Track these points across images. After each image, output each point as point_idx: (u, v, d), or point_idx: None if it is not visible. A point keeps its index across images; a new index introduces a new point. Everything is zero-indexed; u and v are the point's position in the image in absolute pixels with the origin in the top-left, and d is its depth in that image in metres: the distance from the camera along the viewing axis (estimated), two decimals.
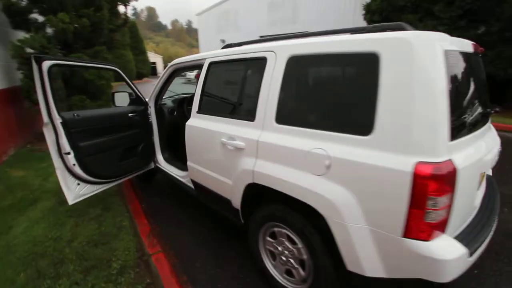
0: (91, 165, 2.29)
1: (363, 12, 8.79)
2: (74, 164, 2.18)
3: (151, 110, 2.91)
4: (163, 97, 3.06)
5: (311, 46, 1.43)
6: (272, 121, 1.55)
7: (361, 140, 1.20)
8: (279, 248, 1.67)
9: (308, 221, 1.45)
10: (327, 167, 1.28)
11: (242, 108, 1.82)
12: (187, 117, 3.11)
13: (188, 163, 2.29)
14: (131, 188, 3.13)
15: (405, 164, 1.06)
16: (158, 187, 3.31)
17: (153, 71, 40.90)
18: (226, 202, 1.95)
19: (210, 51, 2.17)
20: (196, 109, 2.15)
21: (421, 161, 1.04)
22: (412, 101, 1.07)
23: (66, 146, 2.12)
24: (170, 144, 3.10)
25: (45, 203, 2.81)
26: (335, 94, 1.35)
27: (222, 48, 2.17)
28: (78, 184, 2.30)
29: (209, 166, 2.04)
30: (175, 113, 3.03)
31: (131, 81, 2.67)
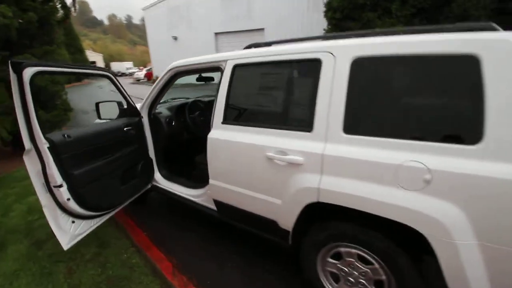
0: (89, 197, 1.83)
1: (324, 9, 9.02)
2: (68, 199, 1.71)
3: (144, 121, 2.48)
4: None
5: (387, 46, 1.28)
6: (339, 131, 1.37)
7: (467, 150, 1.09)
8: (346, 269, 1.52)
9: (391, 240, 1.32)
10: (426, 181, 1.15)
11: (290, 117, 1.60)
12: (190, 126, 2.75)
13: (211, 181, 1.99)
14: (124, 214, 2.66)
15: None
16: (152, 208, 2.88)
17: None
18: (269, 223, 1.73)
19: (230, 52, 1.89)
20: (221, 119, 1.85)
21: None
22: None
23: (56, 177, 1.64)
24: (169, 159, 2.71)
25: (16, 247, 2.20)
26: (429, 100, 1.22)
27: (246, 48, 1.91)
28: (73, 222, 1.82)
29: (245, 185, 1.77)
30: (173, 123, 2.63)
31: (123, 87, 2.22)
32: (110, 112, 2.43)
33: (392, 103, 1.28)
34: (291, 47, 1.59)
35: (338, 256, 1.54)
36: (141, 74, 26.54)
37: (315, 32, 15.08)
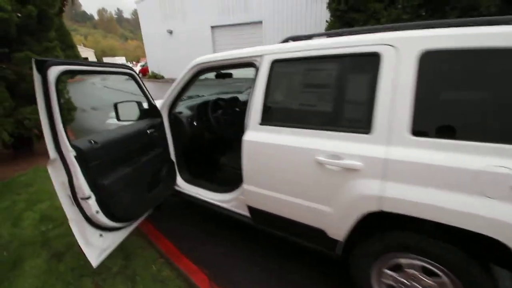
0: (119, 207, 1.69)
1: (327, 0, 8.81)
2: (97, 211, 1.56)
3: (164, 121, 2.32)
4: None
5: (463, 38, 1.14)
6: (405, 133, 1.24)
7: None
8: (406, 282, 1.41)
9: (465, 251, 1.21)
10: None
11: (344, 117, 1.46)
12: (214, 126, 2.60)
13: (246, 186, 1.85)
14: (145, 221, 2.51)
15: None
16: (170, 213, 2.73)
17: None
18: (315, 232, 1.61)
19: (265, 46, 1.73)
20: (258, 120, 1.71)
21: None
22: None
23: (84, 188, 1.49)
24: (191, 161, 2.56)
25: (34, 261, 2.05)
26: None
27: (284, 41, 1.75)
28: (101, 235, 1.68)
29: (288, 191, 1.64)
30: (194, 123, 2.47)
31: (145, 86, 2.06)
32: (126, 112, 2.26)
33: (473, 102, 1.15)
34: (343, 40, 1.44)
35: (396, 267, 1.43)
36: (135, 69, 25.93)
37: (315, 24, 14.84)
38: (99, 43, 63.46)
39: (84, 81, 23.31)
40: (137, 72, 1.91)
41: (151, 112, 2.18)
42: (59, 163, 1.43)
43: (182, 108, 2.55)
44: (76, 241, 1.59)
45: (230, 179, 2.39)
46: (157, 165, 2.08)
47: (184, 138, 2.42)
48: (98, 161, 1.55)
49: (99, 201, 1.57)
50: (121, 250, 2.07)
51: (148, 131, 2.02)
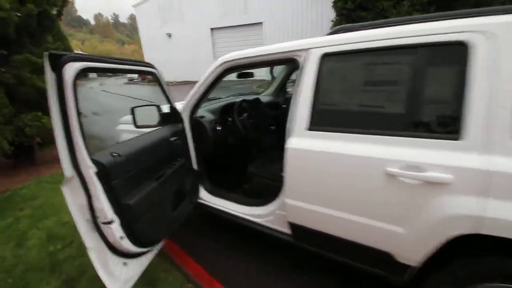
0: (145, 231, 1.43)
1: (331, 0, 8.62)
2: (121, 237, 1.31)
3: (185, 126, 2.07)
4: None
5: None
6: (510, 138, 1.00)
7: None
8: None
9: None
10: None
11: (422, 120, 1.21)
12: (241, 131, 2.35)
13: (289, 201, 1.60)
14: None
15: None
16: (188, 227, 2.47)
17: None
18: (379, 255, 1.36)
19: (311, 39, 1.49)
20: (305, 125, 1.46)
21: None
22: None
23: (106, 211, 1.23)
24: (215, 170, 2.31)
25: None
26: None
27: (333, 32, 1.51)
28: (125, 263, 1.42)
29: (346, 208, 1.39)
30: (218, 128, 2.22)
31: (166, 88, 1.81)
32: (144, 118, 2.01)
33: None
34: (415, 28, 1.20)
35: None
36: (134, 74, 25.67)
37: (316, 25, 14.67)
38: (96, 48, 63.09)
39: (82, 85, 23.05)
40: (158, 73, 1.67)
41: (172, 117, 1.93)
42: (76, 182, 1.18)
43: (202, 111, 2.29)
44: (90, 264, 1.33)
45: (260, 190, 2.14)
46: (181, 177, 1.83)
47: (207, 145, 2.16)
48: (122, 177, 1.30)
49: (124, 225, 1.31)
50: (143, 276, 1.81)
51: (172, 139, 1.77)
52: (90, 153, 1.17)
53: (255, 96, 2.88)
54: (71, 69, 1.08)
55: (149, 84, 20.92)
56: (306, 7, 14.71)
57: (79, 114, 1.11)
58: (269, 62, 1.70)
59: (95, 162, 1.19)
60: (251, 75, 2.65)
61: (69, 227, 2.47)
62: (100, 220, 1.24)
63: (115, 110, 9.64)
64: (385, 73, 1.33)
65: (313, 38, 1.49)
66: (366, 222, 1.34)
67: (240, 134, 2.31)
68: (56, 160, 4.81)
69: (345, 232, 1.45)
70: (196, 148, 2.14)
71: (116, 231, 1.27)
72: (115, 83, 24.92)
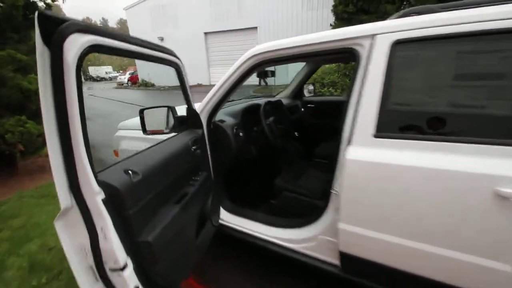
0: (166, 273, 1.07)
1: (333, 3, 8.46)
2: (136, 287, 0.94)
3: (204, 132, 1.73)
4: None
5: None
6: None
7: None
8: None
9: None
10: None
11: None
12: (269, 137, 2.00)
13: (343, 226, 1.28)
14: None
15: None
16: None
17: None
18: None
19: (372, 24, 1.19)
20: (372, 130, 1.15)
21: None
22: None
23: (117, 253, 0.87)
24: (235, 184, 1.96)
25: None
26: None
27: (402, 16, 1.21)
28: None
29: (431, 238, 1.08)
30: (240, 134, 1.88)
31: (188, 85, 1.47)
32: (156, 122, 1.66)
33: None
34: None
35: None
36: (124, 78, 25.15)
37: (311, 30, 14.59)
38: None
39: None
40: (182, 64, 1.31)
41: (191, 122, 1.58)
42: (76, 215, 0.81)
43: (220, 114, 1.95)
44: None
45: (293, 209, 1.81)
46: (204, 196, 1.48)
47: (228, 154, 1.82)
48: (140, 204, 0.94)
49: (139, 270, 0.95)
50: None
51: (192, 148, 1.43)
52: (95, 172, 0.82)
53: (276, 98, 2.56)
54: (75, 45, 0.72)
55: (138, 89, 20.43)
56: (302, 12, 14.67)
57: (83, 114, 0.75)
58: (316, 54, 1.38)
59: (103, 184, 0.83)
60: (271, 74, 2.35)
61: (56, 252, 2.06)
62: (109, 266, 0.88)
63: (106, 114, 9.20)
64: (487, 64, 1.03)
65: (378, 22, 1.19)
66: (460, 257, 1.03)
67: (267, 141, 1.97)
68: (41, 169, 4.35)
69: (425, 269, 1.13)
70: (212, 157, 1.79)
71: (129, 279, 0.91)
72: (104, 87, 24.28)
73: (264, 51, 1.49)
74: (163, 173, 1.12)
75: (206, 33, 17.98)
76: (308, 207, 1.70)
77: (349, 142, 1.21)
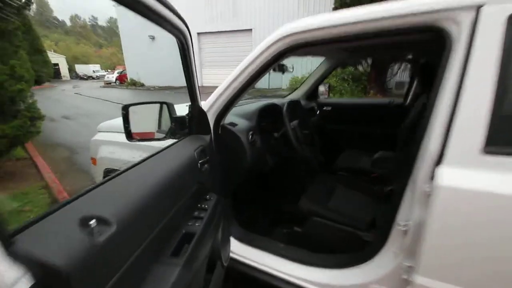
0: None
1: (333, 5, 8.20)
2: None
3: (212, 139, 1.30)
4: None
5: None
6: None
7: None
8: None
9: None
10: None
11: None
12: (296, 146, 1.57)
13: (424, 280, 0.88)
14: None
15: None
16: None
17: (56, 74, 34.26)
18: None
19: None
20: (479, 144, 0.76)
21: None
22: None
23: None
24: (248, 205, 1.54)
25: None
26: None
27: None
28: None
29: None
30: (257, 142, 1.46)
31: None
32: (144, 124, 1.22)
33: None
34: None
35: None
36: (112, 77, 24.32)
37: None
38: (71, 50, 59.53)
39: (54, 88, 21.32)
40: (189, 36, 0.87)
41: (194, 124, 1.16)
42: None
43: (233, 117, 1.53)
44: None
45: (324, 240, 1.41)
46: (215, 229, 1.05)
47: (241, 167, 1.40)
48: (114, 283, 0.50)
49: None
50: None
51: (199, 162, 1.00)
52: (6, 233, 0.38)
53: (289, 99, 2.16)
54: None
55: (127, 88, 19.70)
56: (298, 13, 14.45)
57: None
58: (376, 34, 0.99)
59: (26, 261, 0.39)
60: (287, 69, 1.96)
61: None
62: None
63: (91, 114, 8.59)
64: None
65: None
66: None
67: (288, 150, 1.56)
68: (9, 177, 3.76)
69: None
70: (222, 172, 1.37)
71: None
72: (90, 86, 23.38)
73: (299, 31, 1.09)
74: (156, 211, 0.69)
75: (199, 34, 17.53)
76: (347, 240, 1.30)
77: (438, 161, 0.82)
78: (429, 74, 1.73)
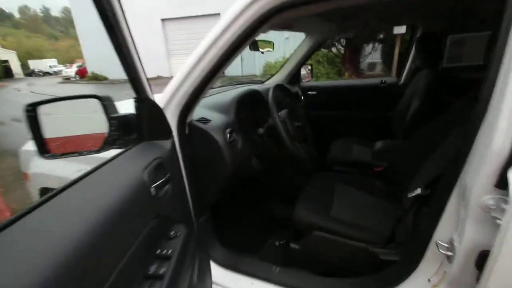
0: None
1: None
2: None
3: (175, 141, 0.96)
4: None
5: None
6: None
7: None
8: None
9: None
10: None
11: None
12: (287, 143, 1.23)
13: None
14: None
15: None
16: None
17: (6, 73, 31.21)
18: None
19: None
20: None
21: None
22: None
23: None
24: (226, 220, 1.22)
25: None
26: None
27: None
28: None
29: None
30: (239, 143, 1.13)
31: None
32: (65, 130, 0.85)
33: None
34: None
35: None
36: (71, 71, 22.45)
37: None
38: (22, 44, 54.12)
39: (4, 87, 19.29)
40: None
41: (146, 126, 0.81)
42: None
43: (202, 109, 1.18)
44: None
45: (330, 260, 1.14)
46: (188, 271, 0.73)
47: (218, 175, 1.07)
48: None
49: None
50: None
51: (153, 188, 0.66)
52: None
53: (268, 85, 1.83)
54: None
55: (88, 83, 18.28)
56: None
57: None
58: None
59: None
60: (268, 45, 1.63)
61: None
62: None
63: None
64: None
65: None
66: None
67: (281, 150, 1.24)
68: None
69: None
70: (193, 184, 1.03)
71: None
72: (48, 83, 21.45)
73: None
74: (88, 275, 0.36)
75: (163, 20, 16.45)
76: (359, 259, 1.04)
77: (509, 163, 0.55)
78: (434, 46, 1.50)
